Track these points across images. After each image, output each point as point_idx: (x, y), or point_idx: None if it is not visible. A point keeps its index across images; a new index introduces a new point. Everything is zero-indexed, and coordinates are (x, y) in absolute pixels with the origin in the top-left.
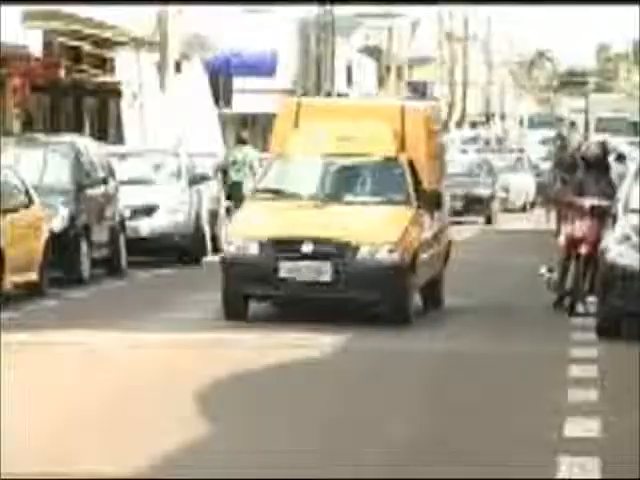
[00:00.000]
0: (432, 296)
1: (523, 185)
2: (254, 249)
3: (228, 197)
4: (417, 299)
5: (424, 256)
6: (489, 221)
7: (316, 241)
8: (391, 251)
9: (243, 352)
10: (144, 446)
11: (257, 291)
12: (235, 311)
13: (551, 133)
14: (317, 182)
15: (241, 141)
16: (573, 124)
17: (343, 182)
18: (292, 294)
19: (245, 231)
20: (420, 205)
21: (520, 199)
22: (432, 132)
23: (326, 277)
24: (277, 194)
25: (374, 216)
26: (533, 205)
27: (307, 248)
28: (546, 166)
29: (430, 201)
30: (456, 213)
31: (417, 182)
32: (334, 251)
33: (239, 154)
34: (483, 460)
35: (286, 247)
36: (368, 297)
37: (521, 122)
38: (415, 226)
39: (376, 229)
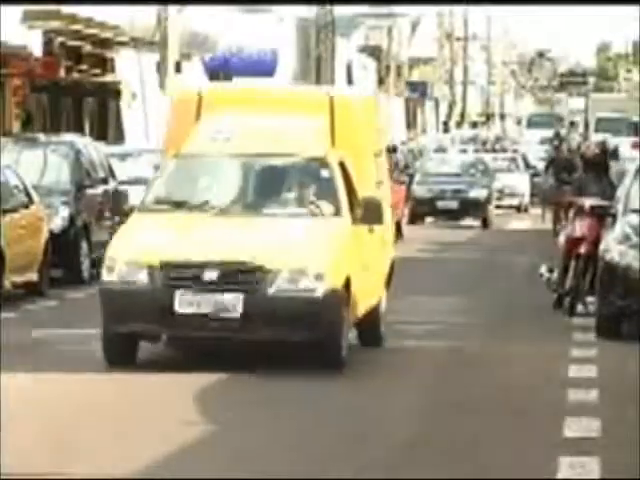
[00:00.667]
0: (371, 331)
1: (517, 186)
2: (142, 277)
3: None
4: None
5: (361, 282)
6: (485, 224)
7: (222, 266)
8: (318, 277)
9: None
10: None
11: (147, 330)
12: (119, 355)
13: (550, 133)
14: (223, 190)
15: None
16: (573, 124)
17: (257, 190)
18: (192, 334)
19: (130, 254)
20: (355, 217)
21: (514, 200)
22: (369, 126)
23: (235, 312)
24: (172, 205)
25: (296, 233)
26: (527, 207)
27: (210, 275)
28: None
29: (367, 212)
30: (451, 216)
31: (351, 188)
32: (245, 279)
33: None
34: (483, 460)
35: (183, 274)
36: (289, 337)
37: (519, 122)
38: (349, 244)
39: (299, 250)
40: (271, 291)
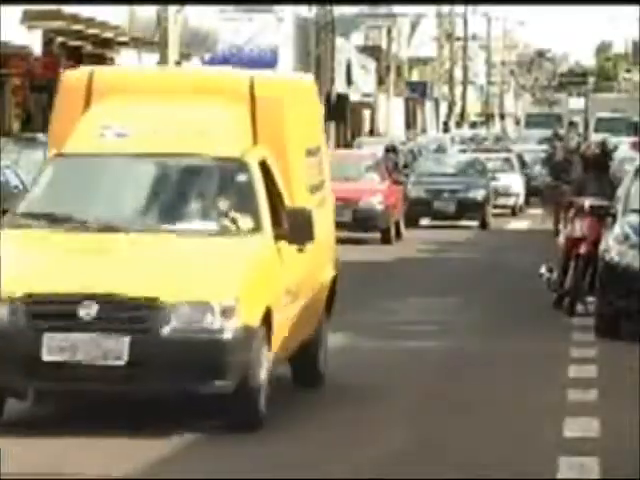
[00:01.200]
0: (306, 369)
1: (512, 186)
2: (1, 314)
3: None
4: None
5: (287, 313)
6: (484, 226)
7: (103, 299)
8: (227, 313)
9: None
10: None
11: (8, 383)
12: None
13: (548, 133)
14: (111, 200)
15: None
16: (572, 124)
17: (153, 200)
18: (64, 387)
19: None
20: (280, 233)
21: (509, 200)
22: (303, 117)
23: (120, 359)
24: (46, 220)
25: (201, 255)
26: (522, 208)
27: (88, 312)
28: (540, 167)
29: (294, 226)
30: (448, 217)
31: (276, 196)
32: (133, 316)
33: None
34: (483, 460)
35: (54, 311)
36: (190, 389)
37: (517, 121)
38: (269, 268)
39: (203, 277)
40: (166, 331)
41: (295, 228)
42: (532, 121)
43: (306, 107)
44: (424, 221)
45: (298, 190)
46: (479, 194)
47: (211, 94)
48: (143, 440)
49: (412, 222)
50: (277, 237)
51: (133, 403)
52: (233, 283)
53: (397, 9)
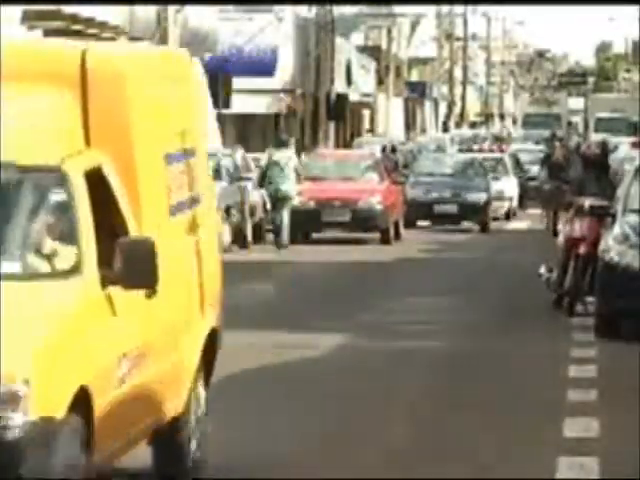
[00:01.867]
0: (170, 461)
1: (504, 191)
2: None
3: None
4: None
5: (122, 394)
6: (484, 229)
7: None
8: (11, 401)
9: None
10: None
11: None
12: None
13: (547, 133)
14: None
15: (281, 143)
16: (570, 124)
17: None
18: None
19: None
20: (112, 275)
21: (503, 206)
22: (165, 105)
23: None
24: None
25: None
26: (516, 212)
27: None
28: (537, 168)
29: (129, 266)
30: (450, 220)
31: (111, 221)
32: None
33: (281, 157)
34: (483, 460)
35: None
36: None
37: (515, 121)
38: (88, 328)
39: None
40: None
41: (129, 267)
42: (530, 121)
43: (173, 92)
44: (423, 222)
45: (150, 211)
46: (481, 197)
47: (23, 75)
48: None
49: (411, 224)
50: (106, 280)
51: None
52: (22, 357)
53: (397, 9)
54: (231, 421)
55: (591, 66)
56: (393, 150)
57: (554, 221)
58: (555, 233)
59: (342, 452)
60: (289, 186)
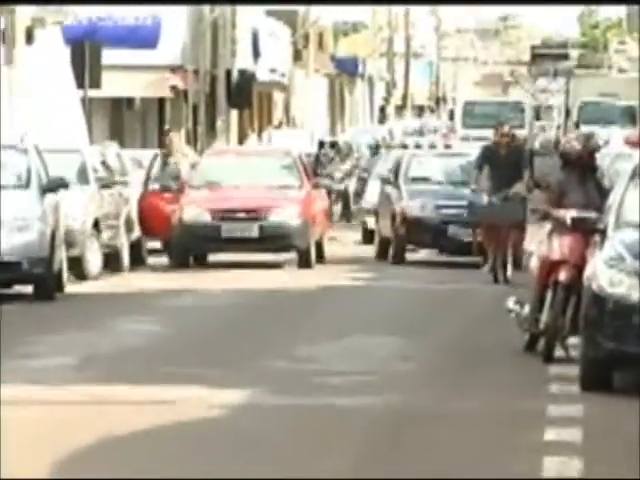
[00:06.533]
0: None
1: None
2: None
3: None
4: None
5: None
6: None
7: None
8: None
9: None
10: None
11: None
12: None
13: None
14: None
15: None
16: (539, 114)
17: None
18: None
19: None
20: None
21: None
22: None
23: None
24: None
25: None
26: None
27: None
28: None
29: None
30: (462, 248)
31: None
32: None
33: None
34: None
35: None
36: None
37: (451, 115)
38: None
39: None
40: None
41: None
42: (474, 113)
43: None
44: (418, 253)
45: None
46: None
47: None
48: None
49: (399, 258)
50: None
51: None
52: None
53: None
54: None
55: (574, 37)
56: (332, 146)
57: (501, 259)
58: (496, 278)
59: None
60: None
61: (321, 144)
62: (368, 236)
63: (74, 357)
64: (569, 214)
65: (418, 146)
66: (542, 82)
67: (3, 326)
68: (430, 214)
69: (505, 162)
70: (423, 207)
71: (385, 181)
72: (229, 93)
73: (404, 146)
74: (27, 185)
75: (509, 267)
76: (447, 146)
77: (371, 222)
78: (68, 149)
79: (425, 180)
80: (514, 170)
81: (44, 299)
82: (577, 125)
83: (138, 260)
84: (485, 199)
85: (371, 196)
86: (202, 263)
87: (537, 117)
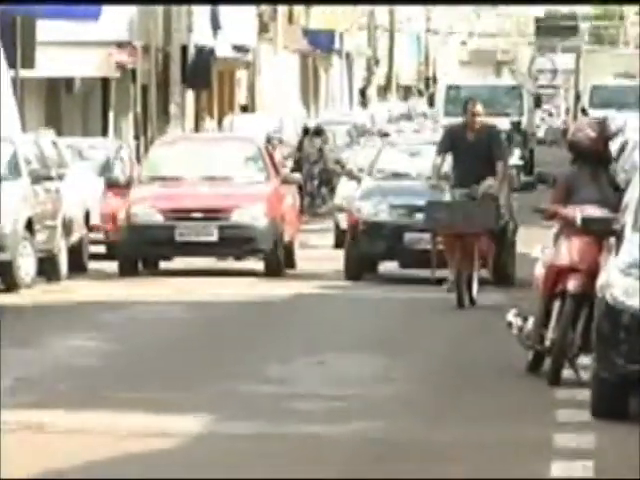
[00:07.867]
0: None
1: None
2: None
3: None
4: None
5: None
6: None
7: None
8: None
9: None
10: None
11: None
12: None
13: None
14: None
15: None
16: (539, 101)
17: None
18: None
19: None
20: None
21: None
22: None
23: None
24: None
25: None
26: None
27: None
28: None
29: None
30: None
31: None
32: None
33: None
34: None
35: None
36: None
37: (431, 101)
38: None
39: None
40: None
41: None
42: (462, 99)
43: None
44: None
45: None
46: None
47: None
48: None
49: (365, 269)
50: None
51: None
52: None
53: None
54: None
55: (584, 7)
56: (317, 133)
57: (467, 275)
58: (460, 300)
59: None
60: None
61: (305, 131)
62: (341, 237)
63: (5, 379)
64: (579, 213)
65: (400, 132)
66: (541, 61)
67: None
68: (384, 217)
69: (473, 150)
70: (375, 208)
71: (349, 175)
72: (184, 72)
73: (385, 134)
74: None
75: (475, 285)
76: (416, 131)
77: (344, 221)
78: None
79: (396, 175)
80: (485, 161)
81: None
82: (584, 110)
83: (78, 266)
84: (447, 197)
85: (345, 191)
86: (153, 270)
87: (537, 104)
